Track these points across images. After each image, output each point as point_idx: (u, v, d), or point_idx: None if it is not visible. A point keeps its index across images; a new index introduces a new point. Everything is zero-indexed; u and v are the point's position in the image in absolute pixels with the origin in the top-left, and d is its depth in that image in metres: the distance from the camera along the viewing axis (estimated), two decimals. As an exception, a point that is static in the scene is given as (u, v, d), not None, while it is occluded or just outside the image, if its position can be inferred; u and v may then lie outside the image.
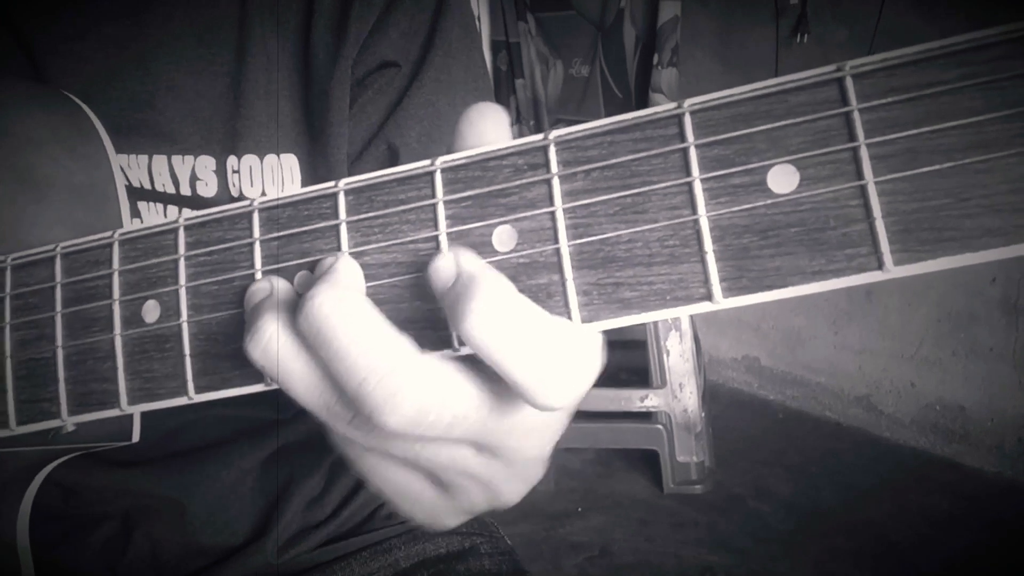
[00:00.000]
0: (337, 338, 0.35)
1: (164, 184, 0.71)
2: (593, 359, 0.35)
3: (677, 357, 2.64)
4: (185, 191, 0.71)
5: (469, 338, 0.33)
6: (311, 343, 0.36)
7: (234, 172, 0.71)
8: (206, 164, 0.71)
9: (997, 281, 2.74)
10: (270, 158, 0.72)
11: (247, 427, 0.78)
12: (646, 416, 2.69)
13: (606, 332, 0.35)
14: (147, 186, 0.71)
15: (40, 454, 0.55)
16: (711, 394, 3.07)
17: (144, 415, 0.53)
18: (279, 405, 0.77)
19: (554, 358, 0.33)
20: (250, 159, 0.72)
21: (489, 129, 0.37)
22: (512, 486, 0.42)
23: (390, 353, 0.35)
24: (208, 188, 0.71)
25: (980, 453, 2.82)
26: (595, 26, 3.88)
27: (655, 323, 2.63)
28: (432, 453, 0.39)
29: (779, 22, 3.25)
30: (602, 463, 2.92)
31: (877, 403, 3.15)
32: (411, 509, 0.44)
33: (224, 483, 0.78)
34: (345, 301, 0.35)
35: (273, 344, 0.37)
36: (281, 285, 0.39)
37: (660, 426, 2.64)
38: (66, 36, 0.70)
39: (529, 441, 0.39)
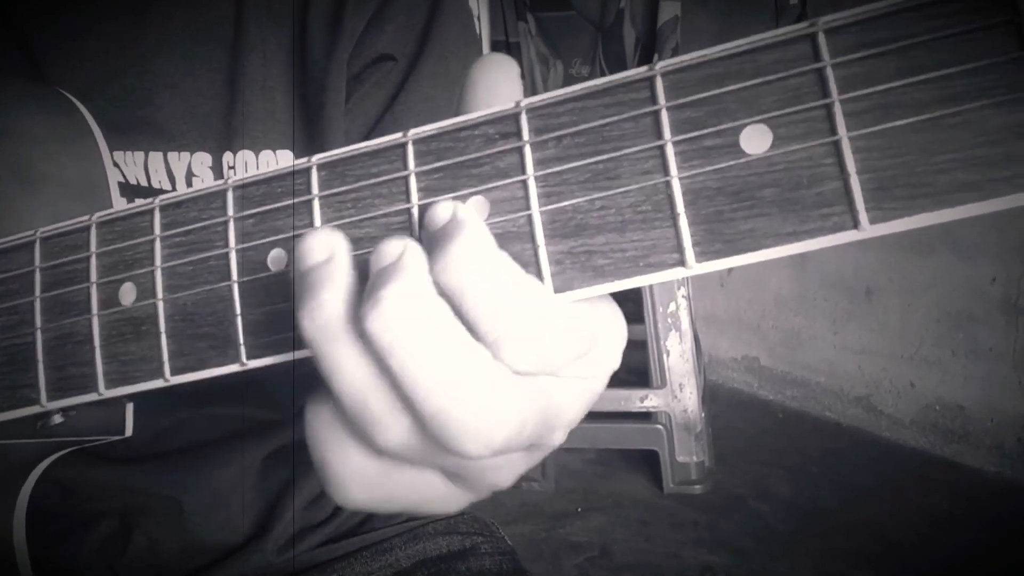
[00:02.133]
0: (414, 354, 0.32)
1: (160, 181, 0.71)
2: (575, 334, 0.33)
3: (677, 357, 2.64)
4: (181, 188, 0.71)
5: (444, 276, 0.32)
6: (376, 350, 0.32)
7: (230, 168, 0.72)
8: (202, 160, 0.71)
9: (997, 281, 2.73)
10: (266, 154, 0.72)
11: (245, 426, 0.78)
12: (646, 416, 2.69)
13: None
14: (143, 183, 0.71)
15: (35, 450, 0.55)
16: (711, 394, 3.07)
17: (137, 413, 0.53)
18: (286, 403, 0.77)
19: (522, 313, 0.32)
20: (245, 155, 0.72)
21: (502, 80, 0.36)
22: (455, 504, 0.40)
23: (478, 375, 0.32)
24: (204, 185, 0.71)
25: (980, 453, 2.81)
26: (595, 26, 3.88)
27: (655, 323, 2.63)
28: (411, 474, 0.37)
29: (779, 22, 3.26)
30: (602, 463, 2.91)
31: (877, 403, 3.14)
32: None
33: (223, 481, 0.78)
34: (424, 312, 0.32)
35: (332, 326, 0.33)
36: (342, 251, 0.35)
37: (660, 426, 2.64)
38: (66, 34, 0.71)
39: (498, 475, 0.38)
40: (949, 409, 2.91)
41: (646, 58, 3.74)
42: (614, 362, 0.37)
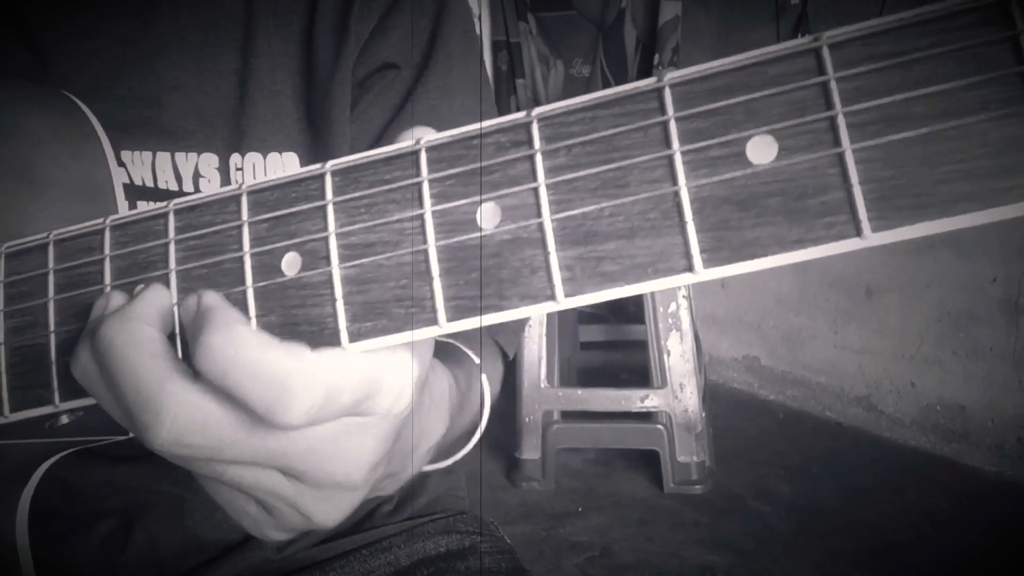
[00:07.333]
0: (114, 364, 0.38)
1: (167, 181, 0.72)
2: (344, 381, 0.36)
3: (678, 357, 2.64)
4: (188, 188, 0.72)
5: (200, 367, 0.36)
6: (100, 368, 0.39)
7: (238, 170, 0.72)
8: (209, 162, 0.72)
9: (997, 281, 2.74)
10: (273, 156, 0.73)
11: None
12: (646, 416, 2.70)
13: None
14: (150, 183, 0.72)
15: (38, 449, 0.54)
16: (711, 394, 3.08)
17: None
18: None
19: (280, 383, 0.35)
20: (254, 157, 0.73)
21: None
22: (323, 509, 0.42)
23: (156, 379, 0.37)
24: (211, 185, 0.72)
25: (980, 453, 2.82)
26: (596, 26, 3.89)
27: (656, 323, 2.63)
28: (235, 474, 0.40)
29: (779, 22, 3.26)
30: (602, 463, 2.92)
31: (877, 403, 3.15)
32: (238, 520, 0.44)
33: None
34: (125, 331, 0.38)
35: (86, 367, 0.40)
36: (114, 302, 0.42)
37: (660, 426, 2.64)
38: (74, 34, 0.71)
39: (332, 467, 0.40)
40: (949, 409, 2.91)
41: (647, 58, 3.74)
42: (398, 402, 0.39)
